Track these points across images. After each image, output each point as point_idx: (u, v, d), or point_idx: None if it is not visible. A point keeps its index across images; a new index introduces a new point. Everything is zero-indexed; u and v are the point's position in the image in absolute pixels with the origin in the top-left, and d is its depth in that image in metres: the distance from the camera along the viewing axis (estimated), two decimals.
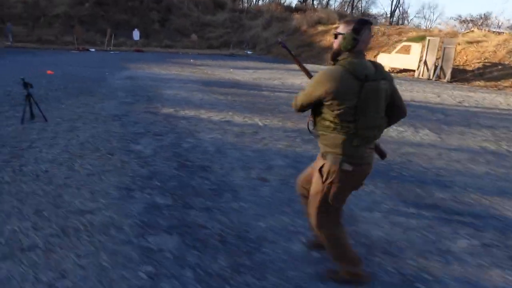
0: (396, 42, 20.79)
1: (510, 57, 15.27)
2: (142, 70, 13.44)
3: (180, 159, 4.27)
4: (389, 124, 2.11)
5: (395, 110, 2.06)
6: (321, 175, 2.01)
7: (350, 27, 1.87)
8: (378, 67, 1.94)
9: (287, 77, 13.29)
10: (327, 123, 1.92)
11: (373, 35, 2.09)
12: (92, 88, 8.81)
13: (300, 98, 2.01)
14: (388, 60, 17.44)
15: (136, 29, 25.13)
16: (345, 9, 44.73)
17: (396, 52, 17.32)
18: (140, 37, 25.16)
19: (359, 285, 2.20)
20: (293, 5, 37.94)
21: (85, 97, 7.70)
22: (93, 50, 23.68)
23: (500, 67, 14.98)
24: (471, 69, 15.53)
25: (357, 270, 2.20)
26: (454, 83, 14.71)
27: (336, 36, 1.95)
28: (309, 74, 2.27)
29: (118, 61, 16.87)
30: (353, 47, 1.86)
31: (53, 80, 9.75)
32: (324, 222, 2.12)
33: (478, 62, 15.64)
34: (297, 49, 26.96)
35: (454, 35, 19.08)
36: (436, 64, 15.52)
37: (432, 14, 76.48)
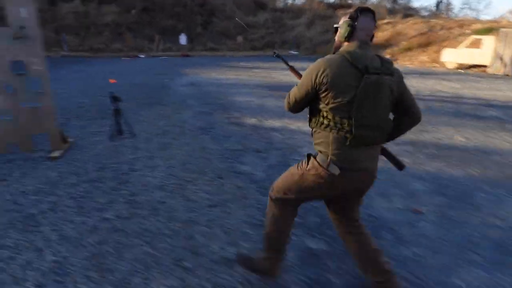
0: (459, 35, 19.33)
1: None
2: (200, 75, 13.13)
3: None
4: (400, 130, 1.92)
5: (406, 114, 1.86)
6: (307, 163, 1.86)
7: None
8: (386, 61, 1.73)
9: None
10: (321, 119, 1.77)
11: (376, 24, 1.86)
12: (161, 97, 8.49)
13: (293, 92, 1.87)
14: (455, 55, 16.14)
15: (183, 34, 25.16)
16: (387, 3, 42.62)
17: (465, 47, 15.93)
18: (187, 41, 25.13)
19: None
20: (332, 1, 36.47)
21: (158, 107, 7.36)
22: (142, 56, 23.92)
23: None
24: None
25: (277, 263, 2.09)
26: None
27: (336, 30, 1.85)
28: None
29: (171, 66, 16.75)
30: (350, 34, 1.74)
31: (118, 89, 9.56)
32: (281, 201, 2.00)
33: None
34: None
35: None
36: None
37: (479, 4, 71.69)
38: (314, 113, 1.82)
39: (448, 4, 45.33)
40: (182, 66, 16.76)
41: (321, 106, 1.75)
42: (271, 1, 37.84)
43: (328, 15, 32.95)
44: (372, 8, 1.80)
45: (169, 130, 5.59)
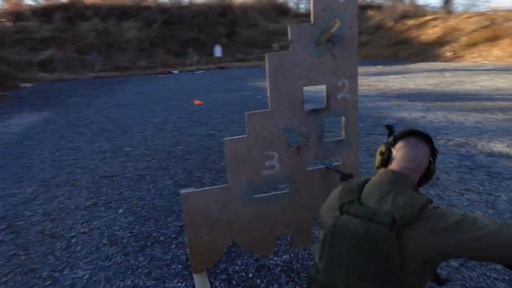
0: None
1: None
2: None
3: None
4: None
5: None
6: None
7: None
8: (400, 206, 1.11)
9: (471, 79, 10.52)
10: None
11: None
12: None
13: None
14: None
15: (217, 45, 23.35)
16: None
17: None
18: (222, 53, 23.33)
19: None
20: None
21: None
22: (175, 72, 22.09)
23: None
24: None
25: None
26: None
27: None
28: None
29: (227, 80, 14.90)
30: (380, 164, 1.34)
31: (223, 114, 7.69)
32: None
33: None
34: (389, 49, 24.20)
35: None
36: None
37: None
38: None
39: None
40: (240, 80, 14.92)
41: None
42: (295, 7, 36.28)
43: (362, 17, 31.35)
44: (420, 130, 1.30)
45: None
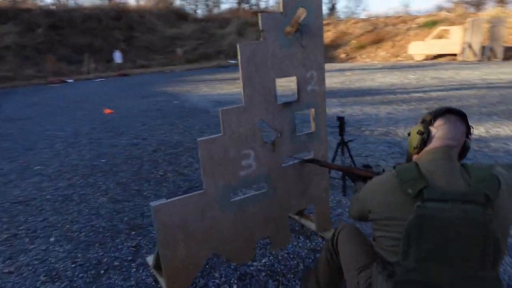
0: (408, 30, 20.42)
1: None
2: (199, 92, 11.02)
3: None
4: None
5: None
6: None
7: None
8: (478, 180, 1.11)
9: (369, 77, 11.67)
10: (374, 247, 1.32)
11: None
12: None
13: (353, 202, 1.49)
14: (423, 47, 16.80)
15: (116, 51, 21.85)
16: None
17: (433, 38, 16.65)
18: (123, 59, 21.91)
19: None
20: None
21: None
22: (70, 80, 20.03)
23: None
24: None
25: None
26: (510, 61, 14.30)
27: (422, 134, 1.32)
28: None
29: (137, 87, 14.05)
30: (419, 144, 1.28)
31: (143, 121, 7.19)
32: None
33: None
34: None
35: (466, 16, 19.00)
36: (484, 45, 15.04)
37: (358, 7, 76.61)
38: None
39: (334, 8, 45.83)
40: (147, 86, 14.20)
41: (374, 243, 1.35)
42: (194, 12, 35.92)
43: (257, 22, 32.47)
44: (456, 108, 1.30)
45: None
